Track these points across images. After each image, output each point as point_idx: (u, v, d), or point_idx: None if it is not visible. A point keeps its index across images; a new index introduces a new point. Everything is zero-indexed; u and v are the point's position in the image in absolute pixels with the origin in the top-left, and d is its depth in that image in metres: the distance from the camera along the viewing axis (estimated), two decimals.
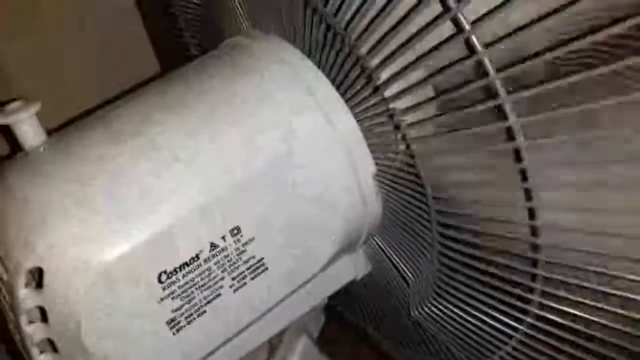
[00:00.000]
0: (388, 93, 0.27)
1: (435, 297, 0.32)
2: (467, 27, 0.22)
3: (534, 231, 0.25)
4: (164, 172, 0.26)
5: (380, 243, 0.35)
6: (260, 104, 0.29)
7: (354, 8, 0.26)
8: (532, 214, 0.25)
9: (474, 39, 0.22)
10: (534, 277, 0.27)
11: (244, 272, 0.28)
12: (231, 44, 0.33)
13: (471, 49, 0.22)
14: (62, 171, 0.26)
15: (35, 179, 0.26)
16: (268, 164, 0.28)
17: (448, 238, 0.29)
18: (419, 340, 0.37)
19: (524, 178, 0.24)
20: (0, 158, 0.34)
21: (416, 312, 0.34)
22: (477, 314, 0.30)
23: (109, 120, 0.28)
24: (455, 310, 0.31)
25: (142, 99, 0.29)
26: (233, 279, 0.28)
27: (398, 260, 0.34)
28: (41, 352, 0.26)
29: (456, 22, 0.22)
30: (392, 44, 0.26)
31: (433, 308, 0.33)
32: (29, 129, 0.28)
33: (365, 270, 0.36)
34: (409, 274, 0.34)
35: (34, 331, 0.25)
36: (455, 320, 0.31)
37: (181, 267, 0.26)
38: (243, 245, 0.27)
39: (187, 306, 0.27)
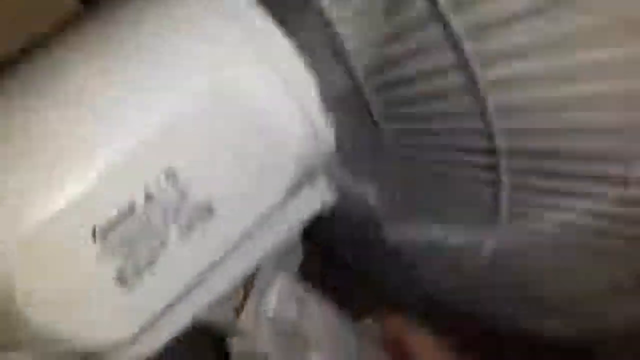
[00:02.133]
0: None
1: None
2: None
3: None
4: (83, 120, 0.24)
5: (340, 170, 0.33)
6: (184, 32, 0.26)
7: None
8: None
9: None
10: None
11: (189, 217, 0.26)
12: None
13: None
14: None
15: None
16: (196, 99, 0.25)
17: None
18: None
19: None
20: None
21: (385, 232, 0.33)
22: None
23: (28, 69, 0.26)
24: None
25: (58, 40, 0.27)
26: (178, 225, 0.26)
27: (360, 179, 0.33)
28: None
29: None
30: None
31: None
32: None
33: (330, 198, 0.34)
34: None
35: None
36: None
37: (115, 219, 0.24)
38: (182, 189, 0.25)
39: (132, 262, 0.25)
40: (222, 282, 0.31)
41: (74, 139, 0.24)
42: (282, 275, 0.37)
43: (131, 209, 0.24)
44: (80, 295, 0.25)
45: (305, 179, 0.31)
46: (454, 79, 0.24)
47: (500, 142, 0.24)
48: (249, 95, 0.26)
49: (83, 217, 0.23)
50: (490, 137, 0.24)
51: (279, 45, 0.27)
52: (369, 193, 0.34)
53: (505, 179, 0.25)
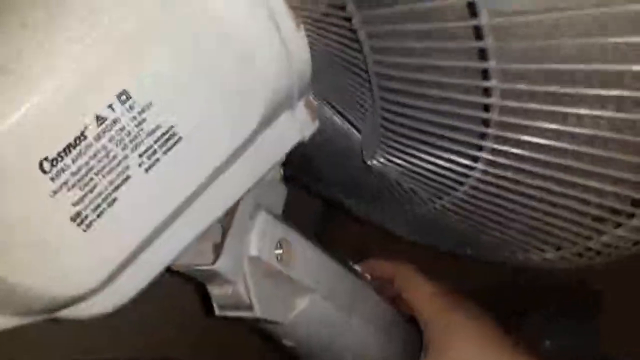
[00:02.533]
0: None
1: (384, 146, 0.28)
2: None
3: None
4: (20, 43, 0.21)
5: (319, 96, 0.31)
6: None
7: None
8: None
9: None
10: (486, 106, 0.23)
11: (151, 145, 0.23)
12: None
13: None
14: None
15: None
16: (156, 10, 0.22)
17: (388, 90, 0.25)
18: (378, 189, 0.34)
19: None
20: None
21: (371, 162, 0.30)
22: (428, 157, 0.27)
23: None
24: (406, 157, 0.27)
25: None
26: (140, 155, 0.23)
27: (342, 111, 0.30)
28: None
29: None
30: None
31: (386, 155, 0.29)
32: None
33: (311, 128, 0.32)
34: (355, 124, 0.29)
35: None
36: (408, 166, 0.27)
37: (65, 150, 0.21)
38: (139, 113, 0.22)
39: (90, 196, 0.23)
40: (197, 223, 0.29)
41: (14, 53, 0.21)
42: (263, 214, 0.35)
43: (83, 136, 0.21)
44: (35, 239, 0.22)
45: (281, 105, 0.28)
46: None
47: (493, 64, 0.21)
48: (218, 8, 0.23)
49: (30, 148, 0.21)
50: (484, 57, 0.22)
51: None
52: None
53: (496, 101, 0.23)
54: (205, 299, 0.36)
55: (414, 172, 0.29)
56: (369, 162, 0.31)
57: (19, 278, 0.23)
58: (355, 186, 0.37)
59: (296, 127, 0.31)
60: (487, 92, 0.23)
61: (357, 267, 0.45)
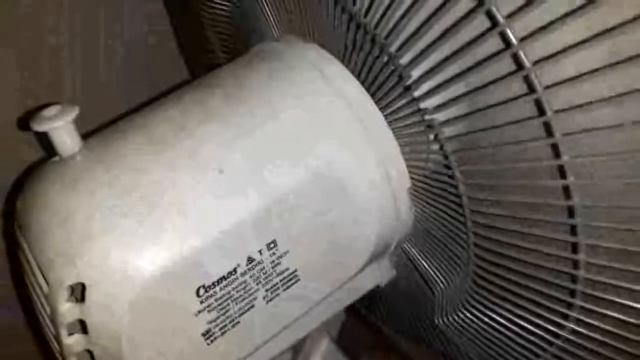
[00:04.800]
0: (419, 92, 0.27)
1: (466, 307, 0.32)
2: (502, 20, 0.21)
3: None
4: (203, 186, 0.26)
5: (407, 249, 0.35)
6: (299, 119, 0.29)
7: (383, 6, 0.26)
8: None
9: (508, 32, 0.22)
10: (574, 278, 0.26)
11: (277, 283, 0.28)
12: (263, 50, 0.33)
13: (506, 43, 0.22)
14: (102, 184, 0.26)
15: (76, 193, 0.26)
16: (308, 179, 0.28)
17: (485, 250, 0.29)
18: (439, 347, 0.38)
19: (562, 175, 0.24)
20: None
21: (442, 321, 0.34)
22: (513, 323, 0.30)
23: (145, 128, 0.28)
24: (488, 320, 0.31)
25: (178, 106, 0.29)
26: (267, 290, 0.28)
27: (426, 268, 0.34)
28: None
29: (490, 16, 0.22)
30: (423, 42, 0.25)
31: (463, 317, 0.33)
32: (66, 136, 0.27)
33: (389, 275, 0.36)
34: (437, 282, 0.34)
35: (74, 343, 0.25)
36: (487, 330, 0.31)
37: (219, 280, 0.26)
38: (278, 258, 0.27)
39: (222, 318, 0.27)
40: (283, 343, 0.33)
41: (192, 203, 0.26)
42: (326, 340, 0.39)
43: (235, 271, 0.26)
44: (172, 345, 0.26)
45: (377, 256, 0.33)
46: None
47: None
48: (352, 180, 0.29)
49: (194, 276, 0.25)
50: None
51: (386, 139, 0.29)
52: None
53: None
54: None
55: (487, 338, 0.32)
56: (438, 320, 0.34)
57: None
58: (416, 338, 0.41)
59: (378, 273, 0.36)
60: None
61: None
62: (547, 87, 0.22)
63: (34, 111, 0.28)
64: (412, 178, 0.31)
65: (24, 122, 0.30)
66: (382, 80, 0.29)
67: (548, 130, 0.23)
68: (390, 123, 0.30)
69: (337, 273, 0.31)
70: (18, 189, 0.28)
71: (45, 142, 0.28)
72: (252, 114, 0.28)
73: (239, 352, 0.29)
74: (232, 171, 0.27)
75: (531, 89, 0.23)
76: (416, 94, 0.27)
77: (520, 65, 0.22)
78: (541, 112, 0.23)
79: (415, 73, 0.26)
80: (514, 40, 0.22)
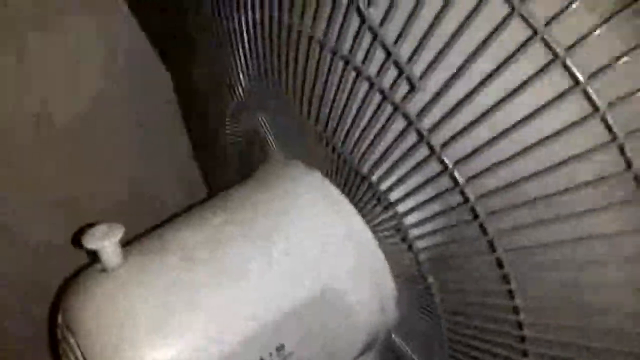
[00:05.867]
0: (400, 209, 0.33)
1: None
2: (451, 166, 0.28)
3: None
4: (228, 298, 0.33)
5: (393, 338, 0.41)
6: (307, 241, 0.36)
7: (365, 145, 0.33)
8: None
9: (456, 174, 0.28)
10: None
11: None
12: (268, 173, 0.41)
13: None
14: (144, 297, 0.32)
15: (121, 304, 0.32)
16: (314, 294, 0.34)
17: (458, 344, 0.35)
18: None
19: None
20: None
21: None
22: None
23: (178, 244, 0.35)
24: None
25: (207, 224, 0.36)
26: None
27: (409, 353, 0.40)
28: None
29: (441, 160, 0.29)
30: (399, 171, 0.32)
31: None
32: (112, 252, 0.34)
33: None
34: None
35: None
36: None
37: None
38: (284, 358, 0.34)
39: None
40: None
41: (211, 311, 0.32)
42: None
43: None
44: None
45: (366, 349, 0.39)
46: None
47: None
48: (347, 293, 0.36)
49: None
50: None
51: (373, 252, 0.36)
52: None
53: None
54: None
55: None
56: None
57: None
58: None
59: None
60: None
61: None
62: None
63: (85, 228, 0.35)
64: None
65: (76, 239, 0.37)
66: (366, 201, 0.36)
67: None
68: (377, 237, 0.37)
69: None
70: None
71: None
72: (267, 240, 0.35)
73: None
74: (252, 289, 0.34)
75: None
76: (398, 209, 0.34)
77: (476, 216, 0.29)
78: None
79: (394, 195, 0.33)
80: (460, 181, 0.29)
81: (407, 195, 0.32)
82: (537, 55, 0.24)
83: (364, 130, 0.32)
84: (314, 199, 0.37)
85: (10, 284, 0.61)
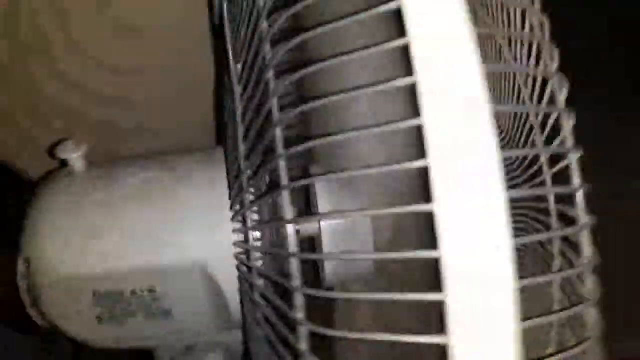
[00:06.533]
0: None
1: None
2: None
3: None
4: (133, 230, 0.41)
5: None
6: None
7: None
8: None
9: None
10: None
11: (152, 310, 0.42)
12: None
13: None
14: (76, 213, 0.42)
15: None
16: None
17: None
18: None
19: None
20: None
21: None
22: None
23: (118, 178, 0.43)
24: None
25: (138, 176, 0.43)
26: (144, 313, 0.42)
27: None
28: None
29: None
30: None
31: None
32: (77, 161, 0.43)
33: None
34: None
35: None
36: None
37: (107, 293, 0.41)
38: (155, 296, 0.41)
39: (109, 315, 0.42)
40: None
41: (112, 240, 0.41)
42: None
43: (120, 293, 0.41)
44: (76, 318, 0.42)
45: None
46: None
47: None
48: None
49: (95, 284, 0.41)
50: None
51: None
52: None
53: None
54: None
55: None
56: None
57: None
58: None
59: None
60: None
61: None
62: None
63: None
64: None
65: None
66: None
67: None
68: None
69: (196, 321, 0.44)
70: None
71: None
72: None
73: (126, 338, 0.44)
74: (146, 231, 0.41)
75: None
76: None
77: None
78: None
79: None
80: None
81: None
82: None
83: None
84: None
85: None
